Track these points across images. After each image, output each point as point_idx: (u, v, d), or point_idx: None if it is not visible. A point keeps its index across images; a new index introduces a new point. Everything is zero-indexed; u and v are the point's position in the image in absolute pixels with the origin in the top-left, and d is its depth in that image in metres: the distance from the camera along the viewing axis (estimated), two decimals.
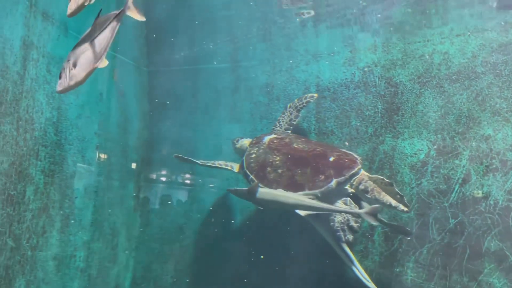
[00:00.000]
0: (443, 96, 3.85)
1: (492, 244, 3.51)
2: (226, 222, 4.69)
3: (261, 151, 3.84)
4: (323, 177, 3.50)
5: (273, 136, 4.01)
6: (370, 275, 3.90)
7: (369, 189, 3.38)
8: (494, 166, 3.58)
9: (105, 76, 4.63)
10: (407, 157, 3.91)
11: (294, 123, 4.20)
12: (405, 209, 3.25)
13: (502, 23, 3.70)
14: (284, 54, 4.61)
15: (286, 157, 3.70)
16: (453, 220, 3.67)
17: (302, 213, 3.45)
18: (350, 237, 3.41)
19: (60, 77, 2.40)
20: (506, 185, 3.52)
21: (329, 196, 3.50)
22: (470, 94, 3.75)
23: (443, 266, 3.66)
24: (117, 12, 2.52)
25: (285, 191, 3.49)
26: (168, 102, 5.09)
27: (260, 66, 4.72)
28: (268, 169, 3.70)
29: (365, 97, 4.16)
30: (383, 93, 4.09)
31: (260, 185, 3.60)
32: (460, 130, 3.75)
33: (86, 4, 2.31)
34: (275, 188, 3.56)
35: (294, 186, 3.54)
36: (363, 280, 3.45)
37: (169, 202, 5.09)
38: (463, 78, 3.80)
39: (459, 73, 3.82)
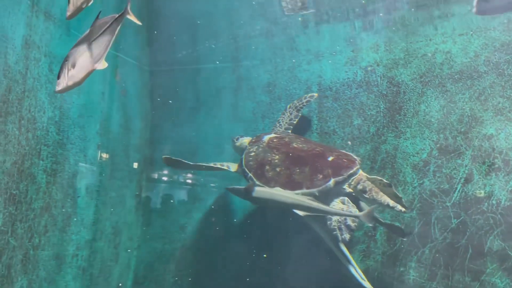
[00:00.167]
0: (445, 96, 3.84)
1: (494, 244, 3.50)
2: (228, 221, 4.69)
3: (260, 149, 3.86)
4: (321, 176, 3.51)
5: (273, 135, 4.02)
6: (372, 274, 3.91)
7: (367, 189, 3.39)
8: (496, 165, 3.57)
9: (107, 76, 4.63)
10: (409, 157, 3.90)
11: (294, 122, 4.21)
12: (403, 209, 3.26)
13: (505, 22, 3.69)
14: (286, 53, 4.61)
15: (285, 156, 3.72)
16: (455, 219, 3.66)
17: (300, 212, 3.46)
18: (347, 236, 3.41)
19: (58, 77, 2.42)
20: (508, 185, 3.51)
21: (327, 196, 3.51)
22: (473, 94, 3.74)
23: (445, 266, 3.65)
24: (117, 15, 2.53)
25: (282, 190, 3.50)
26: (170, 101, 5.09)
27: (262, 66, 4.72)
28: (267, 167, 3.72)
29: (367, 96, 4.15)
30: (385, 93, 4.09)
31: (257, 182, 3.62)
32: (462, 130, 3.74)
33: (83, 6, 2.34)
34: (273, 187, 3.58)
35: (292, 185, 3.56)
36: (360, 280, 3.45)
37: (171, 201, 5.10)
38: (465, 78, 3.79)
39: (461, 72, 3.81)
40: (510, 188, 3.51)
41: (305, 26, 4.54)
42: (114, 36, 2.50)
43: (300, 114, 4.23)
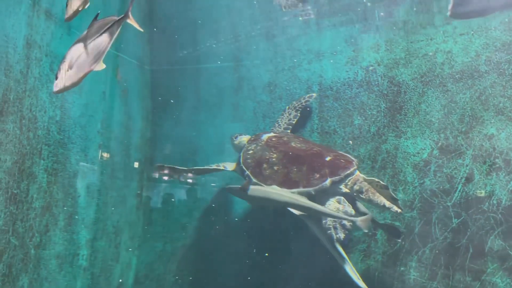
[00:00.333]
0: (446, 95, 3.84)
1: (495, 244, 3.50)
2: (229, 221, 4.69)
3: (258, 148, 3.88)
4: (318, 175, 3.53)
5: (272, 134, 4.05)
6: (373, 274, 3.91)
7: (363, 190, 3.41)
8: (497, 165, 3.57)
9: (108, 75, 4.64)
10: (410, 156, 3.90)
11: (293, 123, 4.23)
12: (399, 210, 3.28)
13: (506, 22, 3.69)
14: (287, 53, 4.61)
15: (283, 155, 3.74)
16: (456, 219, 3.66)
17: (295, 211, 3.48)
18: (342, 235, 3.42)
19: (56, 78, 2.43)
20: (509, 185, 3.51)
21: (323, 195, 3.52)
22: (474, 93, 3.74)
23: (446, 266, 3.65)
24: (117, 17, 2.54)
25: (277, 188, 3.52)
26: (172, 101, 5.10)
27: (263, 65, 4.72)
28: (264, 165, 3.74)
29: (368, 96, 4.15)
30: (386, 92, 4.08)
31: (255, 180, 3.64)
32: (463, 129, 3.73)
33: (80, 9, 2.38)
34: (270, 185, 3.60)
35: (288, 183, 3.58)
36: (355, 279, 3.46)
37: (172, 201, 5.10)
38: (466, 77, 3.78)
39: (462, 72, 3.81)
40: (511, 188, 3.51)
41: (306, 26, 4.54)
42: (113, 39, 2.51)
43: (299, 115, 4.24)
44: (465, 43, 3.83)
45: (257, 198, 3.54)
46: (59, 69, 2.43)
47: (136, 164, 5.01)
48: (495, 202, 3.54)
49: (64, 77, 2.41)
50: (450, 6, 1.82)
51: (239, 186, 3.55)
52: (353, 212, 3.43)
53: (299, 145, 3.82)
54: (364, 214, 3.61)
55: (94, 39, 2.46)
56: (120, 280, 4.76)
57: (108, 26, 2.49)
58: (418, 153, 3.88)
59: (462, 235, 3.62)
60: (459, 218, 3.65)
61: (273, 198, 3.48)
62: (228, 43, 4.91)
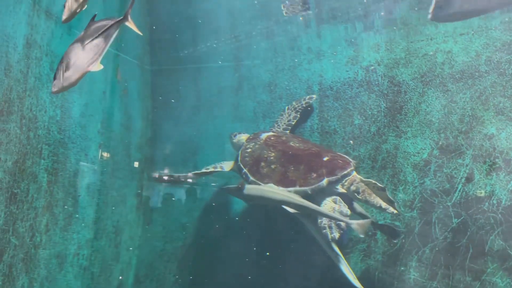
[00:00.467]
0: (446, 95, 3.84)
1: (495, 244, 3.50)
2: (229, 220, 4.70)
3: (257, 146, 3.90)
4: (315, 175, 3.54)
5: (271, 133, 4.07)
6: (373, 274, 3.91)
7: (360, 191, 3.42)
8: (497, 165, 3.57)
9: (108, 75, 4.64)
10: (410, 156, 3.90)
11: (293, 124, 4.24)
12: (395, 211, 3.29)
13: (506, 21, 3.69)
14: (287, 53, 4.60)
15: (281, 154, 3.76)
16: (456, 219, 3.66)
17: (289, 209, 3.49)
18: (337, 234, 3.43)
19: (54, 78, 2.46)
20: (509, 185, 3.51)
21: (320, 194, 3.54)
22: (474, 93, 3.74)
23: (446, 266, 3.65)
24: (116, 20, 2.55)
25: (273, 187, 3.54)
26: (173, 101, 5.10)
27: (263, 65, 4.72)
28: (262, 164, 3.75)
29: (368, 96, 4.15)
30: (386, 92, 4.09)
31: (252, 178, 3.65)
32: (463, 129, 3.73)
33: (78, 11, 2.41)
34: (267, 183, 3.61)
35: (285, 182, 3.60)
36: (351, 279, 3.47)
37: (172, 200, 5.10)
38: (466, 77, 3.79)
39: (462, 72, 3.81)
40: (510, 188, 3.51)
41: (306, 26, 4.54)
42: (111, 41, 2.54)
43: (298, 116, 4.25)
44: (465, 43, 3.82)
45: (253, 197, 3.56)
46: (57, 69, 2.46)
47: (136, 164, 5.02)
48: (495, 202, 3.54)
49: (62, 78, 2.44)
50: (430, 9, 1.82)
51: (236, 185, 3.56)
52: (348, 212, 3.44)
53: (297, 144, 3.84)
54: (361, 214, 3.62)
55: (92, 40, 2.48)
56: (120, 277, 4.76)
57: (106, 27, 2.50)
58: (418, 153, 3.88)
59: (462, 235, 3.62)
60: (459, 218, 3.65)
61: (269, 197, 3.49)
62: (228, 42, 4.90)
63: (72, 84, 2.50)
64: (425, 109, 3.90)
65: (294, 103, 4.33)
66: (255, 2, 4.68)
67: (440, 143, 3.80)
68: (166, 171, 5.22)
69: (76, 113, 4.12)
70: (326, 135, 4.30)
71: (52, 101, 3.82)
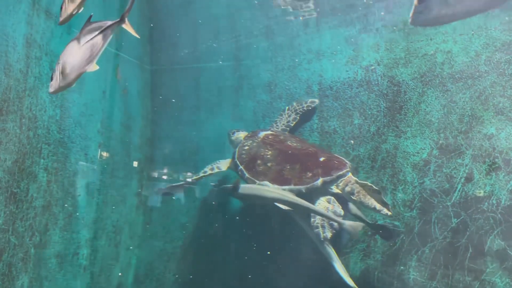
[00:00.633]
0: (446, 95, 3.84)
1: (494, 243, 3.50)
2: (229, 219, 4.70)
3: (254, 144, 3.92)
4: (310, 174, 3.57)
5: (269, 132, 4.11)
6: (372, 273, 3.91)
7: (355, 192, 3.44)
8: (497, 165, 3.57)
9: (108, 74, 4.64)
10: (409, 156, 3.91)
11: (291, 125, 4.25)
12: (389, 213, 3.31)
13: (506, 22, 3.69)
14: (287, 52, 4.60)
15: (277, 152, 3.78)
16: (455, 219, 3.66)
17: (281, 206, 3.50)
18: (329, 234, 3.45)
19: (51, 79, 2.48)
20: (509, 184, 3.52)
21: (314, 194, 3.56)
22: (473, 93, 3.74)
23: (446, 265, 3.66)
24: (112, 22, 2.57)
25: (267, 186, 3.55)
26: (174, 100, 5.10)
27: (263, 65, 4.72)
28: (258, 161, 3.77)
29: (367, 96, 4.15)
30: (385, 92, 4.09)
31: (247, 175, 3.65)
32: (463, 129, 3.74)
33: (74, 13, 2.44)
34: (262, 180, 3.63)
35: (280, 180, 3.63)
36: (344, 277, 3.48)
37: (172, 199, 5.10)
38: (466, 77, 3.79)
39: (462, 72, 3.81)
40: (510, 188, 3.51)
41: (306, 25, 4.54)
42: (107, 42, 2.57)
43: (298, 118, 4.26)
44: (465, 43, 3.83)
45: (249, 196, 3.58)
46: (54, 70, 2.48)
47: (135, 164, 5.02)
48: (494, 202, 3.55)
49: (59, 78, 2.47)
50: (411, 14, 1.85)
51: (231, 185, 3.58)
52: (342, 212, 3.46)
53: (294, 144, 3.86)
54: (356, 216, 3.63)
55: (88, 41, 2.51)
56: (120, 274, 4.76)
57: (102, 29, 2.53)
58: (417, 152, 3.88)
59: (462, 234, 3.62)
60: (459, 217, 3.65)
61: (264, 196, 3.51)
62: (228, 42, 4.90)
63: (69, 84, 2.53)
64: (425, 109, 3.90)
65: (295, 104, 4.33)
66: (255, 2, 4.68)
67: (440, 143, 3.81)
68: (166, 170, 5.22)
69: (76, 112, 4.12)
70: (325, 134, 4.30)
71: (52, 101, 3.82)
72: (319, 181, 3.54)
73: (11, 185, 3.42)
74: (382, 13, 4.19)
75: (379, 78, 4.13)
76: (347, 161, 3.71)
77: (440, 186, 3.75)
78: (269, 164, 3.74)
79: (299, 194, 3.53)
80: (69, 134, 4.05)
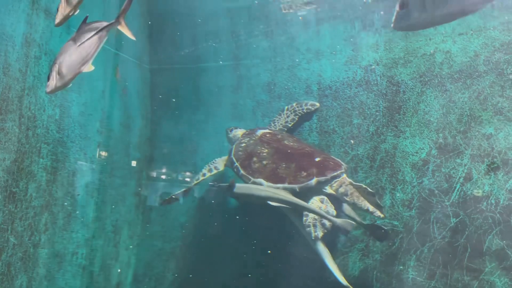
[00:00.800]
0: (445, 95, 3.84)
1: (493, 243, 3.51)
2: (228, 219, 4.70)
3: (251, 142, 3.94)
4: (305, 174, 3.59)
5: (267, 130, 4.13)
6: (371, 273, 3.92)
7: (348, 193, 3.45)
8: (495, 165, 3.58)
9: (108, 74, 4.64)
10: (408, 156, 3.91)
11: (289, 125, 4.26)
12: (382, 215, 3.34)
13: (505, 22, 3.69)
14: (286, 52, 4.61)
15: (274, 151, 3.81)
16: (454, 219, 3.67)
17: (272, 203, 3.52)
18: (320, 233, 3.47)
19: (48, 79, 2.50)
20: (507, 184, 3.52)
21: (308, 193, 3.58)
22: (472, 93, 3.75)
23: (444, 265, 3.66)
24: (107, 23, 2.59)
25: (263, 186, 3.56)
26: (174, 100, 5.10)
27: (262, 64, 4.72)
28: (254, 159, 3.80)
29: (366, 95, 4.16)
30: (385, 92, 4.09)
31: (242, 172, 3.66)
32: (461, 129, 3.74)
33: (70, 14, 2.46)
34: (257, 178, 3.65)
35: (275, 178, 3.65)
36: (336, 275, 3.48)
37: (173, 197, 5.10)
38: (465, 77, 3.79)
39: (461, 72, 3.81)
40: (509, 188, 3.51)
41: (305, 25, 4.54)
42: (102, 43, 2.59)
43: (296, 119, 4.27)
44: (464, 43, 3.83)
45: (244, 195, 3.59)
46: (50, 70, 2.50)
47: (134, 163, 5.02)
48: (493, 201, 3.55)
49: (56, 78, 2.48)
50: (393, 19, 1.91)
51: (227, 184, 3.59)
52: (334, 212, 3.48)
53: (291, 143, 3.89)
54: (349, 217, 3.63)
55: (84, 42, 2.53)
56: (119, 270, 4.76)
57: (98, 29, 2.55)
58: (416, 152, 3.89)
59: (460, 234, 3.63)
60: (458, 217, 3.66)
61: (259, 195, 3.53)
62: (228, 42, 4.91)
63: (66, 85, 2.56)
64: (424, 109, 3.90)
65: (294, 105, 4.33)
66: (256, 1, 4.68)
67: (439, 142, 3.81)
68: (165, 169, 5.23)
69: (75, 112, 4.13)
70: (325, 134, 4.30)
71: (51, 100, 3.82)
72: (314, 181, 3.56)
73: (10, 184, 3.42)
74: (382, 12, 4.19)
75: (378, 78, 4.13)
76: (343, 163, 3.72)
77: (439, 186, 3.75)
78: (264, 162, 3.76)
79: (293, 192, 3.55)
80: (68, 133, 4.05)
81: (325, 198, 3.57)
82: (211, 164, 4.19)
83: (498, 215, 3.52)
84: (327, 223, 3.48)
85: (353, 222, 3.44)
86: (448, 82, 3.85)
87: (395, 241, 3.85)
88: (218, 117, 4.89)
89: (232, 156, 3.94)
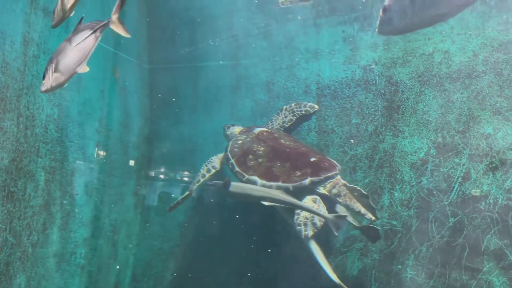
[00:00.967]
0: (443, 95, 3.85)
1: (491, 243, 3.51)
2: (227, 218, 4.70)
3: (248, 139, 3.95)
4: (299, 173, 3.60)
5: (264, 129, 4.14)
6: (369, 272, 3.92)
7: (341, 194, 3.46)
8: (494, 164, 3.58)
9: (107, 73, 4.64)
10: (407, 155, 3.91)
11: (286, 126, 4.27)
12: (373, 217, 3.33)
13: (503, 22, 3.70)
14: (285, 52, 4.61)
15: (270, 149, 3.82)
16: (452, 218, 3.67)
17: (266, 203, 3.53)
18: (310, 232, 3.48)
19: (43, 78, 2.50)
20: (506, 184, 3.53)
21: (301, 192, 3.59)
22: (471, 93, 3.75)
23: (443, 264, 3.66)
24: (101, 23, 2.60)
25: (258, 186, 3.57)
26: (173, 99, 5.10)
27: (261, 64, 4.72)
28: (250, 156, 3.81)
29: (365, 95, 4.16)
30: (383, 92, 4.09)
31: (237, 169, 3.70)
32: (460, 129, 3.75)
33: (66, 16, 2.48)
34: (251, 175, 3.65)
35: (269, 176, 3.66)
36: (329, 273, 3.49)
37: (170, 198, 5.10)
38: (463, 77, 3.80)
39: (459, 71, 3.82)
40: (507, 187, 3.52)
41: (304, 25, 4.54)
42: (96, 43, 2.61)
43: (294, 120, 4.27)
44: (463, 43, 3.83)
45: (238, 194, 3.59)
46: (46, 69, 2.50)
47: (132, 163, 5.02)
48: (491, 201, 3.56)
49: (51, 78, 2.49)
50: (377, 24, 1.97)
51: (222, 181, 3.59)
52: (326, 213, 3.47)
53: (288, 143, 3.90)
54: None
55: (80, 43, 2.55)
56: (118, 267, 4.76)
57: (93, 30, 2.56)
58: (415, 152, 3.89)
59: (459, 234, 3.63)
60: (456, 217, 3.66)
61: (254, 195, 3.53)
62: (227, 41, 4.90)
63: (61, 85, 2.57)
64: (422, 109, 3.91)
65: (293, 105, 4.33)
66: (256, 1, 4.68)
67: (437, 142, 3.81)
68: (164, 169, 5.22)
69: (74, 111, 4.12)
70: (323, 134, 4.30)
71: (50, 99, 3.82)
72: (307, 181, 3.56)
73: (9, 184, 3.42)
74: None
75: (377, 78, 4.14)
76: (338, 164, 3.72)
77: (438, 186, 3.76)
78: (260, 160, 3.77)
79: (286, 191, 3.56)
80: (67, 133, 4.04)
81: (318, 198, 3.57)
82: (208, 163, 4.20)
83: (496, 214, 3.53)
84: (318, 222, 3.48)
85: (346, 215, 3.42)
86: (447, 82, 3.85)
87: (393, 241, 3.86)
88: (217, 116, 4.89)
89: (228, 153, 3.95)
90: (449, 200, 3.70)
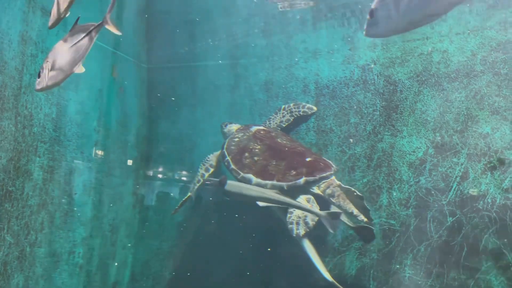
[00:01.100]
0: (442, 94, 3.85)
1: (489, 242, 3.52)
2: (226, 217, 4.70)
3: (245, 137, 3.96)
4: (294, 172, 3.61)
5: (262, 127, 4.15)
6: (368, 272, 3.93)
7: (335, 195, 3.47)
8: (492, 164, 3.59)
9: (105, 73, 4.63)
10: (405, 155, 3.92)
11: (283, 126, 4.27)
12: (365, 219, 3.34)
13: (502, 21, 3.70)
14: (284, 51, 4.61)
15: (266, 148, 3.83)
16: (450, 218, 3.68)
17: (260, 204, 3.53)
18: (302, 231, 3.49)
19: (39, 76, 2.50)
20: (504, 183, 3.53)
21: (295, 192, 3.60)
22: (469, 93, 3.76)
23: (441, 264, 3.67)
24: (95, 24, 2.61)
25: (254, 186, 3.58)
26: (173, 99, 5.10)
27: (260, 64, 4.72)
28: (246, 154, 3.81)
29: (364, 95, 4.16)
30: (382, 91, 4.10)
31: (233, 166, 3.71)
32: (458, 129, 3.75)
33: (62, 17, 2.47)
34: (246, 173, 3.65)
35: (264, 174, 3.67)
36: (322, 272, 3.50)
37: (168, 197, 5.10)
38: (462, 77, 3.80)
39: (458, 71, 3.82)
40: (505, 187, 3.53)
41: (303, 24, 4.54)
42: (92, 43, 2.62)
43: (291, 120, 4.27)
44: (461, 43, 3.84)
45: (234, 193, 3.59)
46: (41, 68, 2.50)
47: (130, 162, 5.01)
48: (489, 200, 3.56)
49: (47, 77, 2.49)
50: (365, 27, 2.00)
51: (218, 180, 3.58)
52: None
53: (284, 142, 3.90)
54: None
55: (76, 43, 2.55)
56: (116, 264, 4.75)
57: (88, 31, 2.57)
58: (413, 151, 3.89)
59: (457, 233, 3.64)
60: (454, 216, 3.67)
61: (249, 195, 3.53)
62: (225, 41, 4.90)
63: (56, 84, 2.57)
64: (421, 108, 3.91)
65: (292, 105, 4.33)
66: (255, 0, 4.68)
67: (436, 142, 3.82)
68: (162, 168, 5.22)
69: (72, 110, 4.11)
70: (322, 133, 4.31)
71: (48, 99, 3.81)
72: (302, 180, 3.57)
73: (6, 183, 3.41)
74: None
75: (376, 77, 4.14)
76: (333, 165, 3.72)
77: (436, 185, 3.76)
78: (255, 158, 3.78)
79: (281, 190, 3.56)
80: (65, 132, 4.04)
81: (312, 197, 3.58)
82: (205, 162, 4.21)
83: (494, 214, 3.53)
84: (310, 222, 3.49)
85: (340, 212, 3.41)
86: (445, 81, 3.85)
87: (392, 240, 3.86)
88: (215, 115, 4.89)
89: (225, 150, 3.96)
90: (447, 200, 3.70)
